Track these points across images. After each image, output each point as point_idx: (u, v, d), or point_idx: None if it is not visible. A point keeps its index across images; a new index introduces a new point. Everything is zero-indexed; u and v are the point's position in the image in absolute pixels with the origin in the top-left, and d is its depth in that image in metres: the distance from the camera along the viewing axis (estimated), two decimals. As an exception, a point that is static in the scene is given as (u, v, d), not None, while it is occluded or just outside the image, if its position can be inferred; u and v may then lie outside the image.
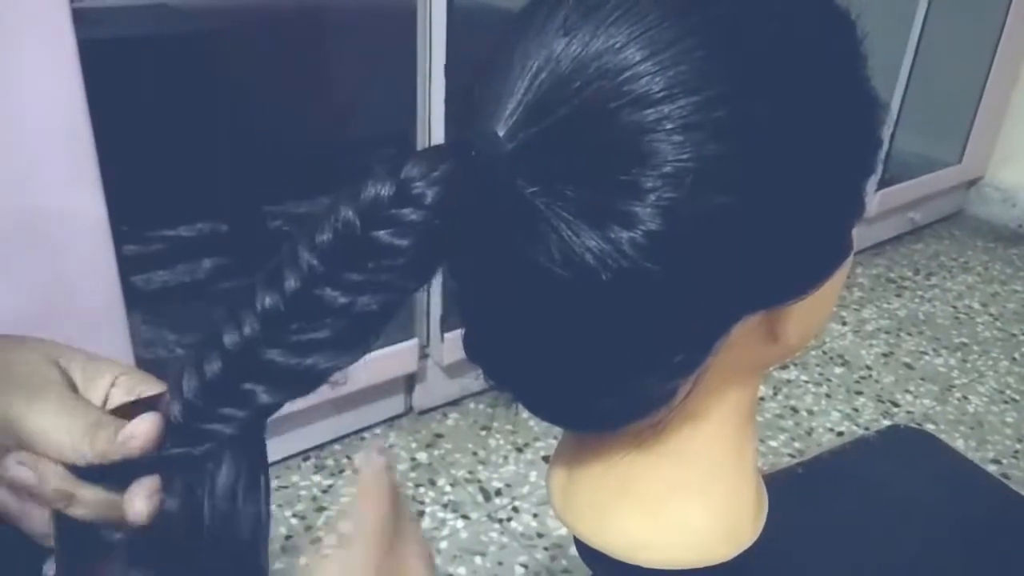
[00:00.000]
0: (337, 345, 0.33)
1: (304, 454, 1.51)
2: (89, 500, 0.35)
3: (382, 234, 0.32)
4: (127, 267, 1.60)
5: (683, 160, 0.33)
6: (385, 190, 0.32)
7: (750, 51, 0.35)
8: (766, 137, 0.34)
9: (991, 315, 2.14)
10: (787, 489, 0.66)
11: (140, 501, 0.33)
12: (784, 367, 1.84)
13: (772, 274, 0.38)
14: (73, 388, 0.37)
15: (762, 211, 0.35)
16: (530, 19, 0.36)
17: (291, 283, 0.32)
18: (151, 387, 0.39)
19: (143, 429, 0.34)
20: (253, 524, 0.34)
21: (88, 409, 0.36)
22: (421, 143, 1.40)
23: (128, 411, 0.36)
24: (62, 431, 0.34)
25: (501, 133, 0.35)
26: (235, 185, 2.06)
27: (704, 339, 0.38)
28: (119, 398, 0.38)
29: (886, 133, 0.41)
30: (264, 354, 0.33)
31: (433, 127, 1.37)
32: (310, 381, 0.34)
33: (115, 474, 0.34)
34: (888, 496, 0.72)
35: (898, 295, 2.22)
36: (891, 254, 2.43)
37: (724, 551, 0.45)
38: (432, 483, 1.47)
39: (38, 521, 0.36)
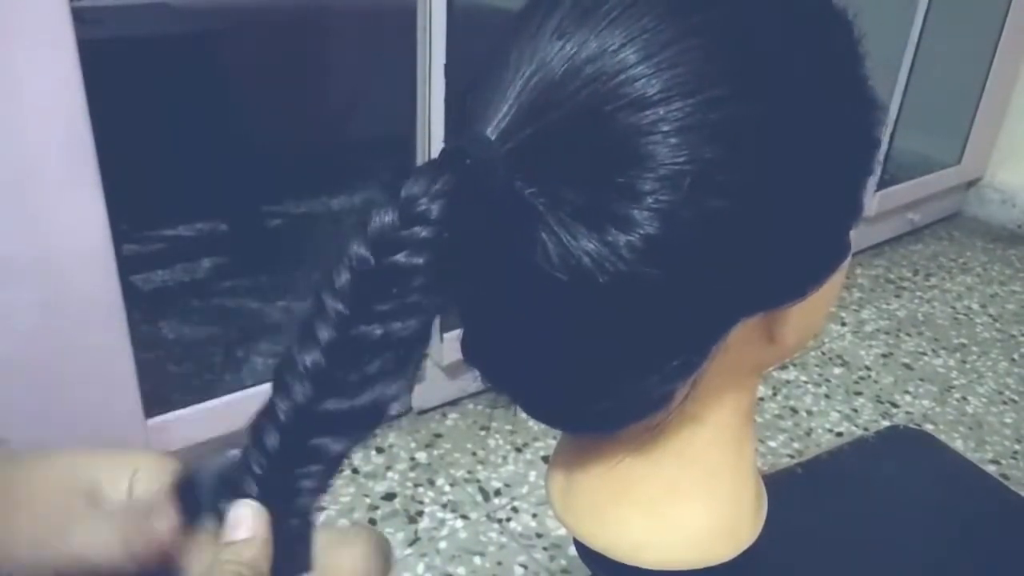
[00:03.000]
0: (387, 375, 0.33)
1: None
2: None
3: (398, 258, 0.32)
4: (127, 267, 1.61)
5: (680, 162, 0.33)
6: (390, 216, 0.32)
7: (747, 53, 0.35)
8: (763, 139, 0.34)
9: (990, 316, 2.14)
10: (786, 489, 0.66)
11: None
12: (783, 368, 1.84)
13: (770, 276, 0.38)
14: (97, 497, 0.37)
15: (759, 213, 0.35)
16: (525, 23, 0.36)
17: (325, 334, 0.32)
18: (168, 470, 0.38)
19: (165, 523, 0.34)
20: None
21: (111, 519, 0.35)
22: (421, 143, 1.40)
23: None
24: (95, 552, 0.34)
25: (493, 137, 0.35)
26: (235, 185, 2.06)
27: (702, 341, 0.38)
28: (141, 488, 0.37)
29: (885, 133, 0.41)
30: (321, 407, 0.33)
31: (433, 127, 1.37)
32: (372, 418, 0.33)
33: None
34: (887, 496, 0.72)
35: (897, 296, 2.22)
36: (890, 255, 2.43)
37: (724, 551, 0.45)
38: (431, 483, 1.47)
39: None
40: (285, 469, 0.33)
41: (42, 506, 0.35)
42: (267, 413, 0.33)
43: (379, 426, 0.34)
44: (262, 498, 0.33)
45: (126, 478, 0.38)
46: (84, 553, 0.35)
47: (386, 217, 0.32)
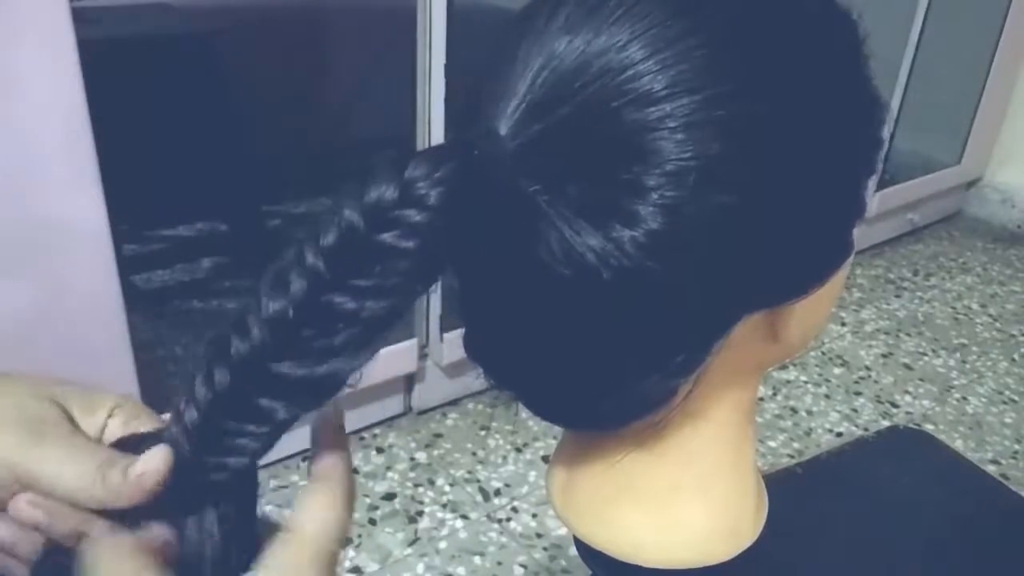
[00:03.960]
0: (349, 350, 0.33)
1: (303, 454, 1.50)
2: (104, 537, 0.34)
3: (387, 237, 0.32)
4: (127, 267, 1.61)
5: (685, 159, 0.33)
6: (388, 192, 0.32)
7: (752, 50, 0.35)
8: (768, 136, 0.34)
9: (990, 316, 2.14)
10: (786, 489, 0.66)
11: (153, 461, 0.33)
12: (783, 368, 1.84)
13: (773, 273, 0.38)
14: (73, 424, 0.36)
15: (764, 210, 0.35)
16: (532, 18, 0.36)
17: (297, 286, 0.32)
18: (148, 418, 0.38)
19: (154, 465, 0.33)
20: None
21: (96, 448, 0.35)
22: (421, 143, 1.40)
23: (132, 444, 0.36)
24: (71, 473, 0.34)
25: (503, 132, 0.35)
26: (235, 185, 2.06)
27: (705, 338, 0.38)
28: (117, 430, 0.37)
29: (886, 133, 0.41)
30: (276, 368, 0.32)
31: (433, 127, 1.37)
32: (326, 389, 0.33)
33: (127, 512, 0.34)
34: (887, 496, 0.72)
35: (897, 296, 2.22)
36: (890, 255, 2.44)
37: (724, 551, 0.45)
38: (431, 483, 1.47)
39: None
40: (225, 417, 0.33)
41: (12, 420, 0.34)
42: (220, 350, 0.33)
43: (329, 400, 0.34)
44: (197, 438, 0.33)
45: (100, 414, 0.37)
46: (54, 474, 0.34)
47: (384, 191, 0.32)
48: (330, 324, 0.33)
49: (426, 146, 0.35)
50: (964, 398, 1.81)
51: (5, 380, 0.36)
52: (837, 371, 1.87)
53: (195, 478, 0.34)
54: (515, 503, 1.44)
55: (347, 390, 0.34)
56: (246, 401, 0.33)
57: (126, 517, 0.34)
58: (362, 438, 1.56)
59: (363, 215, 0.32)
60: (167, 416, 0.35)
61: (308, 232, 0.33)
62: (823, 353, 1.93)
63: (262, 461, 0.36)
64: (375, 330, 0.33)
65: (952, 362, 1.93)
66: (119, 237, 1.10)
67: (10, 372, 0.37)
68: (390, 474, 1.48)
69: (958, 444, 1.66)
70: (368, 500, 1.42)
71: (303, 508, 0.35)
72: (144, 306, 1.82)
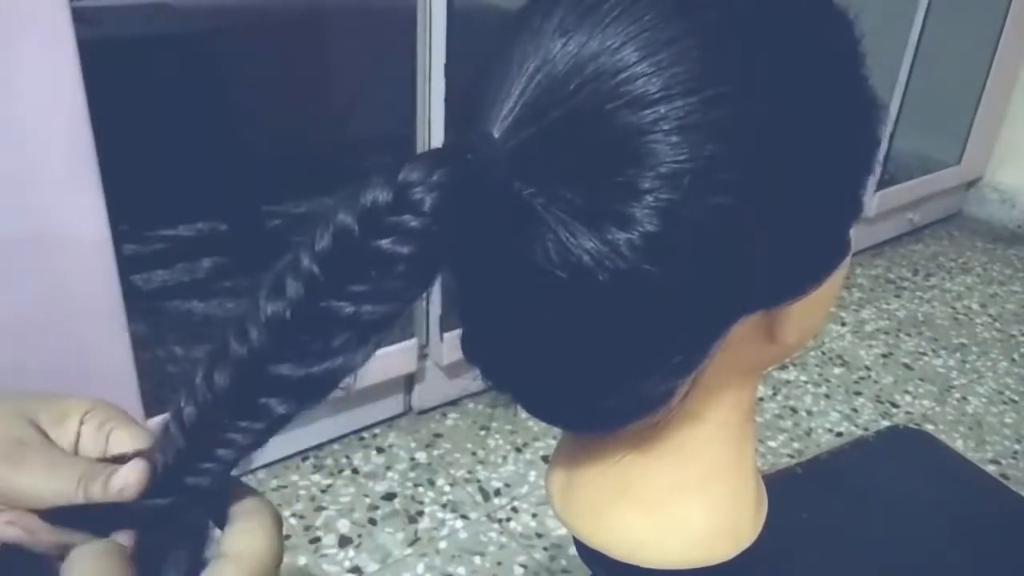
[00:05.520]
0: (347, 350, 0.33)
1: (303, 454, 1.51)
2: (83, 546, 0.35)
3: (383, 243, 0.32)
4: (127, 267, 1.61)
5: (680, 161, 0.33)
6: (382, 196, 0.32)
7: (747, 51, 0.35)
8: (764, 137, 0.34)
9: (990, 316, 2.14)
10: (786, 489, 0.66)
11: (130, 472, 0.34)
12: (783, 368, 1.84)
13: (770, 274, 0.38)
14: (47, 438, 0.37)
15: (760, 211, 0.35)
16: (526, 21, 0.36)
17: (293, 290, 0.32)
18: (120, 419, 0.39)
19: (135, 478, 0.34)
20: None
21: (73, 461, 0.36)
22: (421, 143, 1.40)
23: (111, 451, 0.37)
24: (52, 488, 0.34)
25: (497, 135, 0.35)
26: (235, 185, 2.06)
27: (703, 339, 0.38)
28: (90, 436, 0.38)
29: (885, 133, 0.41)
30: (275, 369, 0.33)
31: (433, 127, 1.37)
32: (325, 387, 0.34)
33: (99, 518, 0.35)
34: (887, 496, 0.72)
35: (897, 296, 2.22)
36: (890, 255, 2.44)
37: (724, 551, 0.45)
38: (431, 483, 1.47)
39: None
40: (223, 414, 0.33)
41: None
42: (220, 352, 0.33)
43: (325, 398, 0.34)
44: (190, 435, 0.34)
45: (72, 423, 0.38)
46: (36, 491, 0.34)
47: (379, 194, 0.32)
48: (328, 327, 0.33)
49: (426, 146, 0.35)
50: (964, 398, 1.81)
51: None
52: (837, 371, 1.87)
53: (171, 487, 0.34)
54: (515, 503, 1.44)
55: (339, 393, 0.34)
56: (244, 400, 0.33)
57: (98, 524, 0.35)
58: (362, 438, 1.56)
59: (357, 219, 0.32)
60: (141, 418, 0.36)
61: (306, 235, 0.33)
62: (823, 353, 1.93)
63: (264, 461, 0.36)
64: (373, 332, 0.33)
65: (952, 362, 1.93)
66: (119, 237, 1.10)
67: None
68: (390, 474, 1.48)
69: (958, 444, 1.66)
70: (368, 500, 1.42)
71: (233, 533, 0.35)
72: (144, 306, 1.82)
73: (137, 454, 0.36)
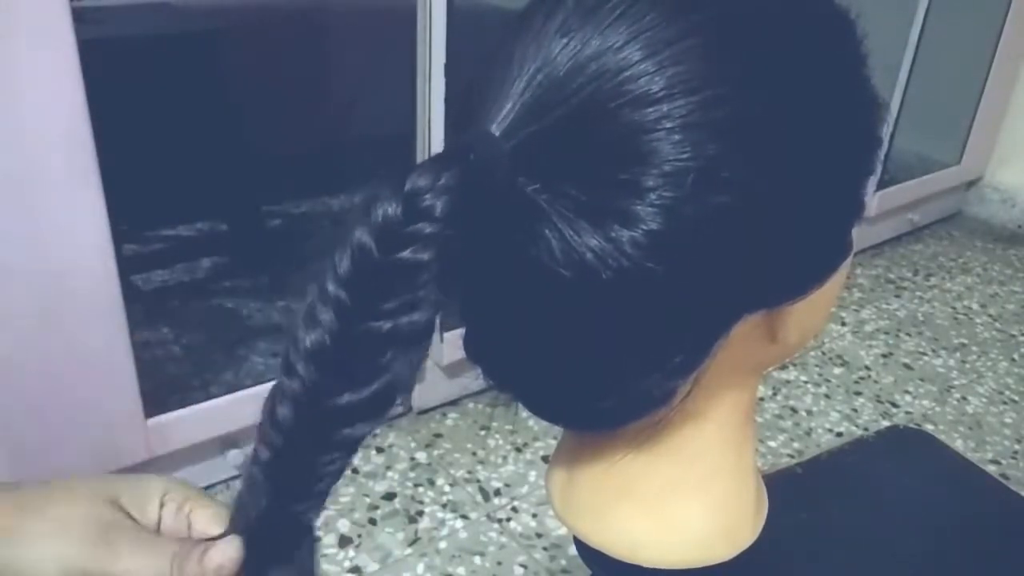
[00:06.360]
0: (396, 362, 0.34)
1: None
2: None
3: (403, 255, 0.32)
4: (127, 267, 1.61)
5: (683, 159, 0.33)
6: (393, 208, 0.32)
7: (750, 50, 0.35)
8: (766, 136, 0.34)
9: (990, 316, 2.14)
10: (786, 489, 0.66)
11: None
12: (783, 367, 1.84)
13: (772, 273, 0.38)
14: (133, 520, 0.37)
15: (762, 210, 0.35)
16: (528, 21, 0.36)
17: (326, 317, 0.33)
18: (198, 501, 0.39)
19: (230, 554, 0.35)
20: None
21: (165, 542, 0.37)
22: (421, 142, 1.40)
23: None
24: (148, 570, 0.35)
25: (498, 133, 0.35)
26: (235, 185, 2.06)
27: (704, 338, 0.38)
28: (171, 516, 0.39)
29: (885, 133, 0.41)
30: (338, 401, 0.33)
31: (433, 127, 1.37)
32: (386, 401, 0.34)
33: None
34: (887, 496, 0.72)
35: (897, 296, 2.22)
36: (890, 255, 2.44)
37: (724, 551, 0.45)
38: (431, 483, 1.47)
39: None
40: (304, 452, 0.34)
41: (81, 528, 0.36)
42: (278, 391, 0.34)
43: (394, 404, 0.35)
44: (274, 475, 0.34)
45: (152, 507, 0.39)
46: (132, 572, 0.35)
47: (390, 208, 0.32)
48: (371, 347, 0.33)
49: (426, 145, 0.35)
50: (964, 398, 1.81)
51: (63, 488, 0.38)
52: (837, 371, 1.87)
53: (265, 539, 0.35)
54: (515, 503, 1.44)
55: (398, 408, 0.35)
56: (321, 438, 0.34)
57: None
58: (362, 438, 1.56)
59: (373, 236, 0.32)
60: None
61: (327, 262, 0.33)
62: (823, 353, 1.93)
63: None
64: (415, 341, 0.34)
65: (952, 362, 1.93)
66: (119, 237, 1.10)
67: (70, 481, 0.38)
68: (390, 474, 1.48)
69: (958, 444, 1.66)
70: (368, 500, 1.42)
71: None
72: (144, 306, 1.82)
73: (224, 534, 0.36)
